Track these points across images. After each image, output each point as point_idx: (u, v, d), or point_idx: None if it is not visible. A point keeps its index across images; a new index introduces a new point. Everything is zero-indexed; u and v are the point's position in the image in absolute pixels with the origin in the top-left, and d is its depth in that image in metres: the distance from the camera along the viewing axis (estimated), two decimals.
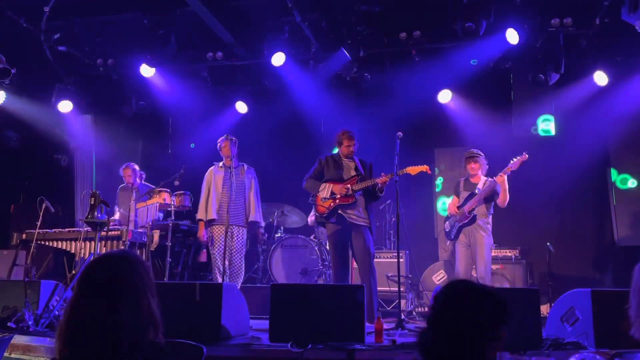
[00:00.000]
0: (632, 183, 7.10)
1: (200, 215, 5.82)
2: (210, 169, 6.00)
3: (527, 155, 5.48)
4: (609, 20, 5.90)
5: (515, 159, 5.49)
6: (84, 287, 1.59)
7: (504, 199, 5.50)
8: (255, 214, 5.87)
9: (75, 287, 1.62)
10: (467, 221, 5.59)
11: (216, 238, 5.76)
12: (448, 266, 6.55)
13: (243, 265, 5.82)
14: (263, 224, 6.14)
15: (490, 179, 5.62)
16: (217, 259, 5.72)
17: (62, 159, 8.33)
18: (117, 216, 6.59)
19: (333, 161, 5.39)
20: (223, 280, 5.48)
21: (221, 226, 5.67)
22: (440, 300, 1.65)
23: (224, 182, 5.82)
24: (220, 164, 5.96)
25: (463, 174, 5.91)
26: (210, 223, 5.80)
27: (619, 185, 7.17)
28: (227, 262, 5.57)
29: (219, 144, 5.90)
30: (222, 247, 5.57)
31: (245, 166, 6.01)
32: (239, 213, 5.79)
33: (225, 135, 5.92)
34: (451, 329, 1.59)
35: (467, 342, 1.57)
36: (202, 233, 5.82)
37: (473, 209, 5.56)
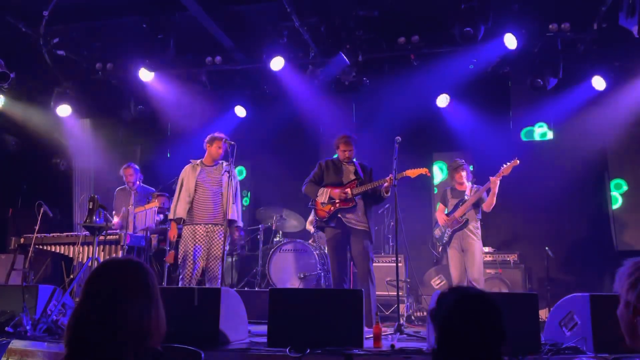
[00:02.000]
0: (628, 187, 7.11)
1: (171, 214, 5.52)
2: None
3: (518, 161, 5.55)
4: (607, 25, 5.93)
5: (506, 164, 5.56)
6: (94, 290, 1.58)
7: (490, 203, 5.58)
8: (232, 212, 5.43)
9: (83, 290, 1.61)
10: (459, 226, 5.69)
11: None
12: (446, 270, 6.54)
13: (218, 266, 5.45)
14: (241, 223, 5.73)
15: (475, 185, 5.72)
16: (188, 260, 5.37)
17: (60, 163, 8.32)
18: (115, 220, 6.57)
19: (333, 165, 5.39)
20: (223, 284, 5.44)
21: (196, 226, 5.43)
22: (449, 313, 1.65)
23: (203, 180, 5.54)
24: (198, 161, 5.65)
25: (449, 184, 6.00)
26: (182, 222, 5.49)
27: (616, 189, 7.18)
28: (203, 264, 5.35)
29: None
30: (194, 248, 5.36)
31: (224, 163, 5.64)
32: (217, 212, 5.47)
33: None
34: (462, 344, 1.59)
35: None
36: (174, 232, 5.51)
37: (464, 215, 5.64)
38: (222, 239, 5.34)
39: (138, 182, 6.65)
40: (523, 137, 7.68)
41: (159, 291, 1.64)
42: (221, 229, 5.39)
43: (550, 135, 7.58)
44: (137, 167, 6.70)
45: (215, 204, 5.49)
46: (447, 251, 5.85)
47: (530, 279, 6.81)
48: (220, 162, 5.64)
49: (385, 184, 5.06)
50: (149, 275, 1.62)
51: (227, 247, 5.49)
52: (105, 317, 1.51)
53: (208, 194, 5.51)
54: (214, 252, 5.38)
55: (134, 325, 1.52)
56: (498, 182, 5.52)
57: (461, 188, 5.82)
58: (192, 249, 5.33)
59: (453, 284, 5.79)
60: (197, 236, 5.38)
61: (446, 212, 5.87)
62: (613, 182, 7.19)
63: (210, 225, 5.43)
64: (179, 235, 5.47)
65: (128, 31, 6.72)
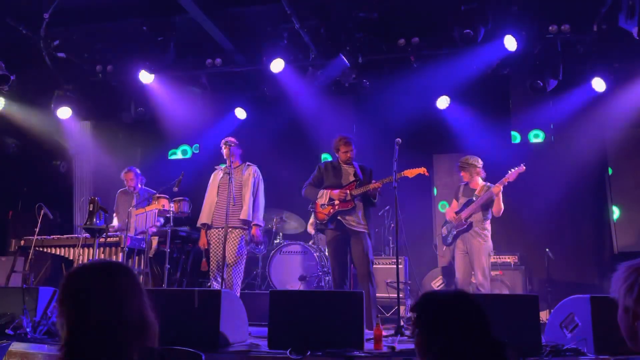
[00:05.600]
0: (628, 189, 7.10)
1: (199, 221, 5.60)
2: (213, 173, 5.80)
3: (524, 167, 5.50)
4: (607, 26, 5.93)
5: (512, 170, 5.50)
6: (66, 298, 1.59)
7: (498, 209, 5.50)
8: (248, 212, 5.45)
9: (59, 298, 1.62)
10: (463, 228, 5.59)
11: (212, 242, 5.50)
12: (447, 272, 6.54)
13: (241, 270, 5.49)
14: (262, 223, 5.69)
15: (488, 184, 5.64)
16: (212, 265, 5.45)
17: (60, 165, 8.33)
18: (115, 222, 6.56)
19: (332, 167, 5.39)
20: (222, 286, 5.43)
21: (217, 230, 5.43)
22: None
23: (220, 185, 5.58)
24: (223, 166, 5.75)
25: (462, 180, 5.95)
26: (208, 228, 5.55)
27: (616, 190, 7.17)
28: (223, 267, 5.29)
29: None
30: (218, 252, 5.38)
31: (247, 165, 5.69)
32: (235, 214, 5.45)
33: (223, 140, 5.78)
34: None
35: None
36: (202, 241, 5.57)
37: (470, 216, 5.57)
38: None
39: (140, 185, 6.64)
40: (523, 139, 7.67)
41: (138, 291, 1.62)
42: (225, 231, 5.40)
43: (547, 136, 7.58)
44: (138, 170, 6.68)
45: (217, 208, 5.60)
46: (453, 252, 5.80)
47: (531, 280, 6.80)
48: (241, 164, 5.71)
49: (370, 191, 5.06)
50: (117, 278, 1.60)
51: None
52: (78, 322, 1.52)
53: (218, 200, 5.64)
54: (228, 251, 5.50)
55: (107, 327, 1.52)
56: (501, 188, 5.48)
57: (473, 186, 5.69)
58: None
59: (457, 286, 5.75)
60: None
61: (456, 211, 5.78)
62: (613, 183, 7.18)
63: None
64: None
65: (128, 33, 6.73)
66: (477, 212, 5.56)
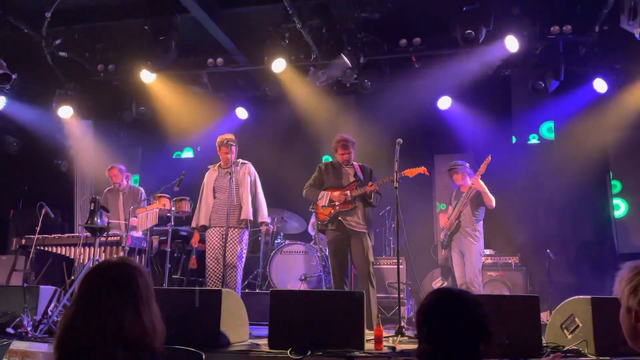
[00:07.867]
0: (630, 190, 7.10)
1: (192, 223, 5.54)
2: (207, 173, 5.68)
3: (490, 158, 5.61)
4: (608, 28, 5.93)
5: (482, 165, 5.63)
6: (88, 292, 1.58)
7: (488, 201, 5.61)
8: (249, 211, 5.35)
9: (77, 291, 1.61)
10: (454, 228, 5.75)
11: (211, 242, 5.37)
12: (446, 273, 6.55)
13: (241, 269, 5.36)
14: (268, 220, 5.63)
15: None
16: (210, 264, 5.33)
17: (62, 164, 8.33)
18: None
19: (332, 168, 5.39)
20: (222, 285, 5.40)
21: (217, 229, 5.35)
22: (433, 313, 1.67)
23: (217, 185, 5.46)
24: (215, 166, 5.62)
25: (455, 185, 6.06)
26: (204, 229, 5.47)
27: (617, 192, 7.16)
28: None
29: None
30: (215, 252, 5.29)
31: (241, 164, 5.55)
32: (235, 214, 5.35)
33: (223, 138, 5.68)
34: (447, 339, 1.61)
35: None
36: (195, 238, 5.53)
37: (459, 216, 5.67)
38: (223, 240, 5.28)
39: (126, 182, 6.58)
40: (524, 140, 7.66)
41: (153, 293, 1.62)
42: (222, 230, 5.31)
43: (545, 139, 7.58)
44: (123, 167, 6.62)
45: (214, 209, 5.51)
46: (450, 253, 5.89)
47: (532, 281, 6.80)
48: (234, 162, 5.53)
49: (367, 192, 5.07)
50: (142, 277, 1.60)
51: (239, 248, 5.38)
52: (89, 322, 1.51)
53: (212, 200, 5.54)
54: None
55: (127, 327, 1.51)
56: (479, 180, 5.57)
57: (464, 189, 5.83)
58: None
59: (457, 286, 5.80)
60: None
61: (448, 216, 5.91)
62: (614, 185, 7.18)
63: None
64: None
65: (130, 33, 6.73)
66: (466, 208, 5.65)
